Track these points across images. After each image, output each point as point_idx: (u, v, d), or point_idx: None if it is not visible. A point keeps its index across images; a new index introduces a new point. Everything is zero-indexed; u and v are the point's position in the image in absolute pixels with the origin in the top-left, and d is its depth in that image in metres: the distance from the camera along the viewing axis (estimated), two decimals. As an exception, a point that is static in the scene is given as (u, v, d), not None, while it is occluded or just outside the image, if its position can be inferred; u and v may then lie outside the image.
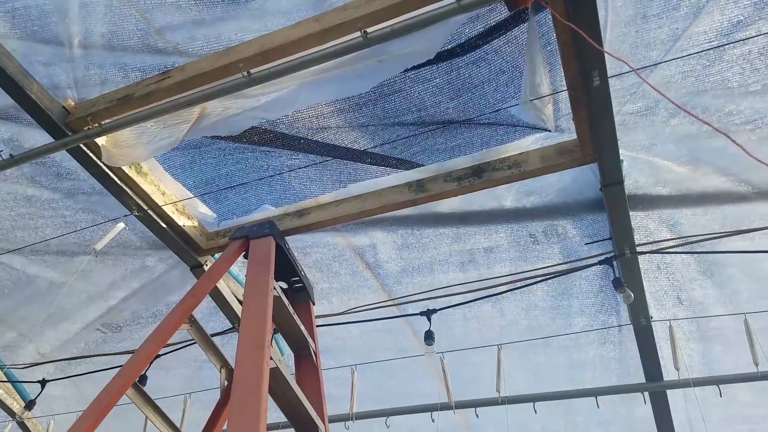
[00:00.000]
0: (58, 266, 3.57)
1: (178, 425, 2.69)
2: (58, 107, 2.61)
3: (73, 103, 2.66)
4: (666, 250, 2.95)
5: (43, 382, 4.01)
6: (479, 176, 2.82)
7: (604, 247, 3.05)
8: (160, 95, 2.47)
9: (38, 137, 2.76)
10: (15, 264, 3.58)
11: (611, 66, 2.26)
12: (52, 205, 3.19)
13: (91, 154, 2.77)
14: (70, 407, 4.31)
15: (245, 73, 2.26)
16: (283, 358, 3.70)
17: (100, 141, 2.73)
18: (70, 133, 2.63)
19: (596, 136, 2.51)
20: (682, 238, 2.94)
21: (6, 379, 4.24)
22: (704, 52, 2.33)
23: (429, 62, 2.30)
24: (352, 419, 3.40)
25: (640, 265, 2.94)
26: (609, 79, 2.28)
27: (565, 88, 2.38)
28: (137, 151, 2.64)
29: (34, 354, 4.17)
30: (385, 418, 3.58)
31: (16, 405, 4.31)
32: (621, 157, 2.63)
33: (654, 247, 2.97)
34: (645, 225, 2.97)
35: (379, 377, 3.79)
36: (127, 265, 3.59)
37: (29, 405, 4.03)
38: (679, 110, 2.56)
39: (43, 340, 4.10)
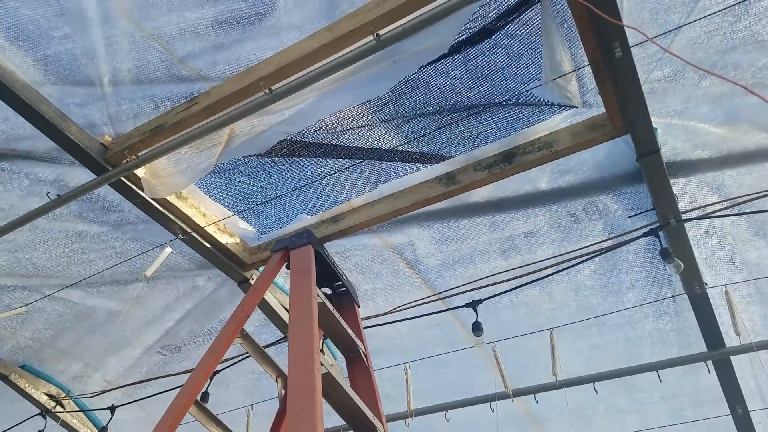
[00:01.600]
0: (114, 295, 3.72)
1: (243, 437, 2.78)
2: (96, 144, 2.72)
3: (110, 139, 2.77)
4: (713, 215, 2.86)
5: (112, 408, 4.18)
6: (510, 162, 2.80)
7: (648, 218, 2.98)
8: (189, 122, 2.55)
9: (81, 175, 2.88)
10: (73, 298, 3.75)
11: (632, 35, 2.21)
12: (101, 238, 3.33)
13: (132, 186, 2.88)
14: (140, 430, 4.49)
15: (267, 91, 2.31)
16: (336, 363, 3.76)
17: (141, 174, 2.83)
18: (110, 168, 2.74)
19: (625, 108, 2.46)
20: (729, 200, 2.84)
21: (78, 409, 4.44)
22: (728, 9, 2.25)
23: (444, 55, 2.29)
24: (410, 416, 3.42)
25: (688, 233, 2.86)
26: (631, 49, 2.23)
27: (587, 63, 2.34)
28: (176, 180, 2.73)
29: (101, 382, 4.36)
30: (444, 412, 3.59)
31: (91, 432, 4.51)
32: (654, 126, 2.57)
33: (700, 212, 2.89)
34: (688, 191, 2.89)
35: (433, 373, 3.80)
36: (178, 288, 3.71)
37: (102, 431, 4.21)
38: (710, 70, 2.48)
39: (108, 367, 4.27)
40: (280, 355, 3.72)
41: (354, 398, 2.36)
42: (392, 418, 3.58)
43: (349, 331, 2.84)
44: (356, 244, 3.42)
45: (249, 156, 2.88)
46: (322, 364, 2.17)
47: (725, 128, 2.66)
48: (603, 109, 2.58)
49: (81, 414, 4.50)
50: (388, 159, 2.96)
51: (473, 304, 3.24)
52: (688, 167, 2.83)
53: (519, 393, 3.44)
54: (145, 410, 4.40)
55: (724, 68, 2.46)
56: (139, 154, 2.68)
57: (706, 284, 3.02)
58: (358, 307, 3.23)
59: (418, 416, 3.55)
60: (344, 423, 2.55)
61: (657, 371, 3.25)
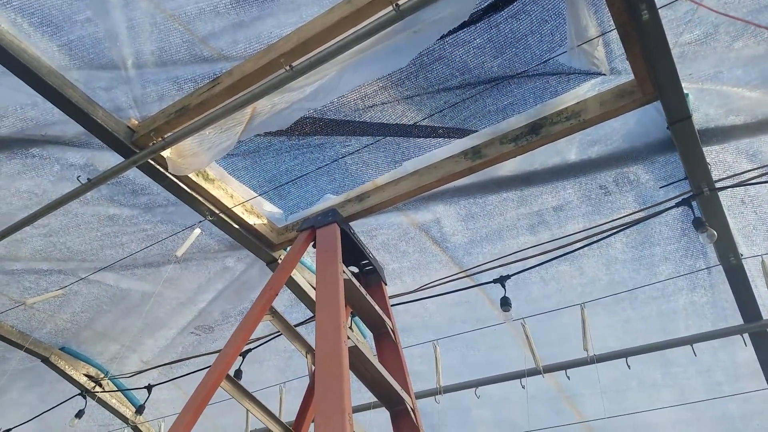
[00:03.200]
0: (147, 278, 3.80)
1: (276, 414, 2.81)
2: (123, 128, 2.77)
3: (136, 122, 2.81)
4: (748, 182, 2.77)
5: (149, 388, 4.30)
6: (536, 133, 2.75)
7: (681, 188, 2.90)
8: (213, 102, 2.57)
9: (110, 159, 2.94)
10: (108, 281, 3.84)
11: (659, -5, 2.14)
12: (132, 221, 3.40)
13: (159, 168, 2.93)
14: (177, 409, 4.60)
15: (287, 68, 2.30)
16: (366, 341, 3.78)
17: (165, 153, 2.87)
18: (137, 151, 2.79)
19: (655, 73, 2.38)
20: (765, 166, 2.75)
21: (116, 389, 4.58)
22: (763, -37, 2.16)
23: (465, 24, 2.25)
24: (440, 392, 3.43)
25: (723, 202, 2.78)
26: (659, 10, 2.15)
27: (614, 27, 2.27)
28: (200, 158, 2.77)
29: (138, 362, 4.48)
30: (474, 389, 3.58)
31: (129, 412, 4.65)
32: (685, 91, 2.48)
33: (734, 180, 2.80)
34: (722, 159, 2.80)
35: (462, 350, 3.80)
36: (209, 269, 3.77)
37: (140, 410, 4.35)
38: (742, 32, 2.39)
39: (144, 348, 4.39)
40: (310, 335, 3.76)
41: (382, 372, 2.37)
42: (422, 395, 3.59)
43: (377, 307, 2.85)
44: (382, 222, 3.42)
45: (273, 136, 2.89)
46: (349, 338, 2.18)
47: (760, 91, 2.55)
48: (632, 76, 2.50)
49: (119, 394, 4.65)
50: (412, 135, 2.94)
51: (501, 280, 3.22)
52: (721, 134, 2.73)
53: (549, 369, 3.41)
54: (182, 389, 4.52)
55: (757, 29, 2.35)
56: (165, 136, 2.71)
57: (742, 255, 2.93)
58: (386, 285, 3.23)
59: (447, 393, 3.56)
60: (375, 399, 2.58)
61: (692, 345, 3.18)
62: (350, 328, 3.55)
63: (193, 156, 2.80)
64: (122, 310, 4.08)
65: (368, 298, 2.77)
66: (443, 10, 2.06)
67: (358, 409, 3.84)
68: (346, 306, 2.59)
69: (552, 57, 2.43)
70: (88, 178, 2.87)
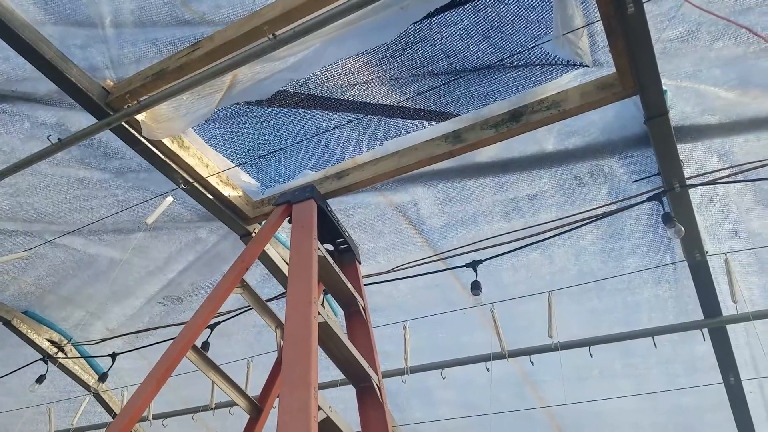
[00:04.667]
0: (116, 244, 3.74)
1: (242, 388, 2.80)
2: (97, 88, 2.69)
3: (111, 83, 2.74)
4: (718, 181, 2.83)
5: (113, 356, 4.25)
6: (517, 120, 2.76)
7: (653, 183, 2.96)
8: (192, 67, 2.52)
9: (83, 119, 2.86)
10: (76, 245, 3.77)
11: (646, -11, 2.15)
12: (103, 185, 3.33)
13: (133, 132, 2.86)
14: (141, 378, 4.53)
15: (271, 36, 2.27)
16: (337, 319, 3.79)
17: (140, 117, 2.81)
18: (111, 113, 2.72)
19: (636, 67, 2.41)
20: (734, 167, 2.81)
21: (79, 355, 4.52)
22: (748, -36, 2.19)
23: (454, 4, 2.24)
24: (407, 372, 3.46)
25: (692, 199, 2.84)
26: (644, 5, 2.17)
27: (599, 18, 2.28)
28: (175, 124, 2.71)
29: (103, 330, 4.42)
30: (440, 370, 3.63)
31: (91, 379, 4.60)
32: (664, 87, 2.52)
33: (705, 178, 2.86)
34: (695, 157, 2.85)
35: (431, 331, 3.84)
36: (181, 239, 3.73)
37: (102, 378, 4.30)
38: (723, 32, 2.43)
39: (110, 316, 4.33)
40: (280, 310, 3.76)
41: (351, 349, 2.38)
42: (389, 374, 3.62)
43: (349, 286, 2.85)
44: (360, 201, 3.42)
45: (252, 105, 2.85)
46: (319, 314, 2.18)
47: (736, 92, 2.60)
48: (613, 69, 2.53)
49: (82, 361, 4.58)
50: (395, 115, 2.93)
51: (473, 264, 3.25)
52: (695, 132, 2.78)
53: (515, 354, 3.47)
54: (147, 359, 4.48)
55: (738, 29, 2.39)
56: (141, 99, 2.65)
57: (707, 252, 3.01)
58: (360, 264, 3.23)
59: (414, 373, 3.59)
60: (342, 377, 2.59)
61: (653, 337, 3.26)
62: (322, 305, 3.55)
63: (168, 121, 2.74)
64: (89, 275, 4.00)
65: (341, 276, 2.77)
66: (432, -11, 2.05)
67: (324, 386, 3.87)
68: (318, 283, 2.59)
69: (537, 44, 2.44)
70: (59, 138, 2.80)
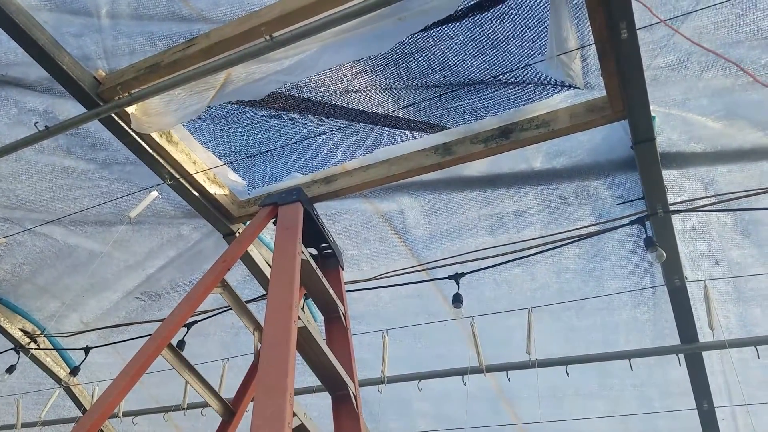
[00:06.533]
0: (97, 236, 3.69)
1: (216, 389, 2.78)
2: (89, 78, 2.67)
3: (103, 74, 2.72)
4: (701, 209, 2.88)
5: (86, 350, 4.19)
6: (507, 137, 2.79)
7: (636, 207, 2.99)
8: (186, 62, 2.51)
9: (72, 109, 2.83)
10: (56, 235, 3.71)
11: (640, 17, 2.19)
12: (88, 176, 3.29)
13: (123, 124, 2.83)
14: (114, 374, 4.45)
15: (267, 37, 2.27)
16: (316, 324, 3.77)
17: (130, 109, 2.79)
18: (101, 103, 2.69)
19: (626, 92, 2.44)
20: (717, 195, 2.86)
21: (52, 347, 4.44)
22: (738, 0, 2.23)
23: (451, 19, 2.26)
24: (384, 382, 3.45)
25: (675, 225, 2.88)
26: (638, 31, 2.21)
27: (593, 42, 2.31)
28: (166, 119, 2.70)
29: (78, 323, 4.35)
30: (417, 381, 3.62)
31: (63, 372, 4.52)
32: (653, 114, 2.56)
33: (688, 205, 2.90)
34: (679, 183, 2.90)
35: (411, 342, 3.83)
36: (163, 235, 3.69)
37: (74, 371, 4.22)
38: (712, 63, 2.47)
39: (85, 309, 4.26)
40: (260, 312, 3.73)
41: (329, 355, 2.37)
42: (366, 383, 3.61)
43: (331, 291, 2.85)
44: (346, 207, 3.41)
45: (245, 105, 2.84)
46: (299, 318, 2.17)
47: (722, 123, 2.65)
48: (604, 92, 2.56)
49: (54, 353, 4.50)
50: (386, 124, 2.94)
51: (456, 277, 3.26)
52: (681, 159, 2.83)
53: (492, 369, 3.48)
54: (120, 354, 4.41)
55: (726, 63, 2.44)
56: (132, 92, 2.63)
57: (687, 278, 3.05)
58: (343, 270, 3.23)
59: (391, 383, 3.58)
60: (318, 384, 2.58)
61: (629, 359, 3.28)
62: (302, 309, 3.53)
63: (159, 115, 2.72)
64: (67, 266, 3.95)
65: (324, 281, 2.76)
66: (431, 1, 2.07)
67: (300, 392, 3.84)
68: (300, 287, 2.58)
69: (530, 63, 2.46)
70: (46, 126, 2.76)
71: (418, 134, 2.95)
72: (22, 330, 4.38)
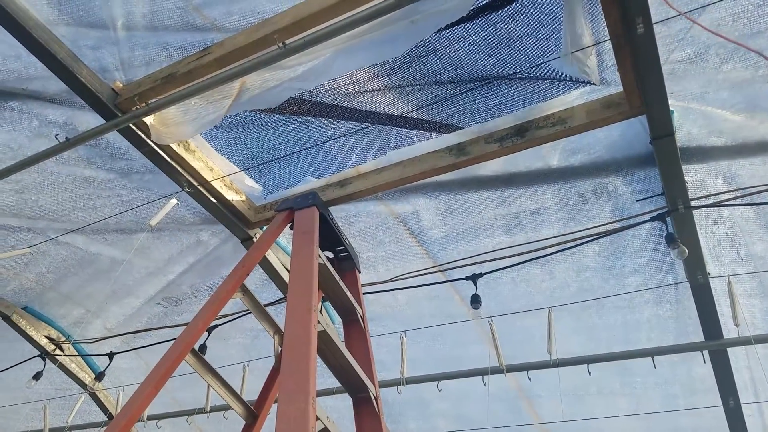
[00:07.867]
0: (118, 244, 3.75)
1: (238, 392, 2.80)
2: (107, 89, 2.71)
3: (121, 85, 2.75)
4: (723, 203, 2.83)
5: (110, 355, 4.25)
6: (522, 136, 2.77)
7: (656, 203, 2.95)
8: (201, 72, 2.53)
9: (91, 120, 2.87)
10: (78, 243, 3.77)
11: (656, 11, 2.16)
12: (108, 185, 3.34)
13: (141, 134, 2.87)
14: (137, 379, 4.56)
15: (281, 44, 2.28)
16: (334, 327, 3.79)
17: (149, 120, 2.82)
18: (119, 114, 2.73)
19: (643, 87, 2.41)
20: (739, 189, 2.81)
21: (77, 353, 4.52)
22: (758, -11, 2.20)
23: (463, 20, 2.25)
24: (403, 383, 3.45)
25: (696, 221, 2.84)
26: (654, 26, 2.18)
27: (608, 37, 2.29)
28: (184, 129, 2.72)
29: (101, 329, 4.42)
30: (437, 382, 3.61)
31: (88, 378, 4.59)
32: (671, 108, 2.52)
33: (710, 200, 2.86)
34: (700, 178, 2.85)
35: (429, 343, 3.83)
36: (182, 241, 3.73)
37: (99, 377, 4.29)
38: (731, 55, 2.43)
39: (108, 315, 4.33)
40: (279, 316, 3.75)
41: (348, 358, 2.38)
42: (385, 384, 3.61)
43: (349, 294, 2.85)
44: (361, 210, 3.42)
45: (259, 112, 2.86)
46: (318, 322, 2.18)
47: (743, 116, 2.61)
48: (620, 88, 2.53)
49: (79, 359, 4.58)
50: (400, 125, 2.94)
51: (473, 277, 3.25)
52: (701, 154, 2.78)
53: (512, 369, 3.46)
54: (143, 359, 4.47)
55: (747, 53, 2.40)
56: (149, 102, 2.66)
57: (710, 274, 3.00)
58: (359, 272, 3.23)
59: (410, 384, 3.58)
60: (339, 385, 2.59)
61: (652, 357, 3.24)
62: (320, 312, 3.55)
63: (177, 126, 2.75)
64: (89, 274, 4.01)
65: (341, 284, 2.77)
66: (444, 3, 2.06)
67: (320, 394, 3.86)
68: (318, 290, 2.59)
69: (545, 61, 2.44)
70: (66, 137, 2.81)
71: (432, 135, 2.94)
72: (47, 337, 4.46)
